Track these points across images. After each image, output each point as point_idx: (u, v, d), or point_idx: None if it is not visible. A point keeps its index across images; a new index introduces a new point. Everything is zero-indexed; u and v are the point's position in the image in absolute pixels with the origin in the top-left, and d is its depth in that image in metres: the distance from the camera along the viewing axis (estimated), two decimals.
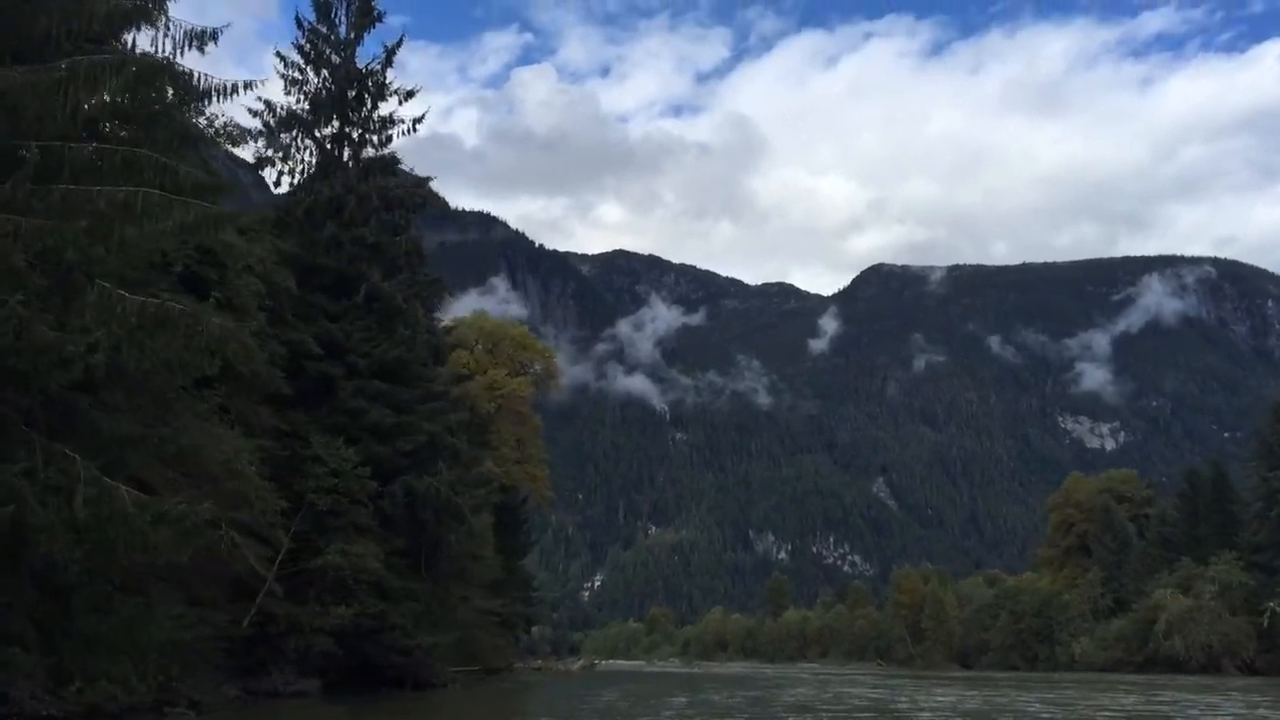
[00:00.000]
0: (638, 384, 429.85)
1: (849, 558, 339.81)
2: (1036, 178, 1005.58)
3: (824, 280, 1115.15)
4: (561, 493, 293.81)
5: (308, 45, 41.37)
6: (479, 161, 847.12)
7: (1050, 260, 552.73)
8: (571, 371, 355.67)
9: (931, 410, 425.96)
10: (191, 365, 19.32)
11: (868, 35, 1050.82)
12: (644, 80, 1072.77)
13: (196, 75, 19.29)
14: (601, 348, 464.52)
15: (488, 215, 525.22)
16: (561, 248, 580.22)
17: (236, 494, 25.80)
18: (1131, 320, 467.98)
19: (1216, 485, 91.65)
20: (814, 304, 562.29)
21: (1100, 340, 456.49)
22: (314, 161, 41.26)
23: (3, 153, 17.51)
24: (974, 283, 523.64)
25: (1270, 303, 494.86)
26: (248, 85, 19.74)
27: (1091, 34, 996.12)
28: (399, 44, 42.75)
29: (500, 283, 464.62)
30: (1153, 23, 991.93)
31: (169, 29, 19.17)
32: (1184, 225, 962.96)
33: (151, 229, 17.54)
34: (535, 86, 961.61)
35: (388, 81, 41.95)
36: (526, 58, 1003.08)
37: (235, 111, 39.46)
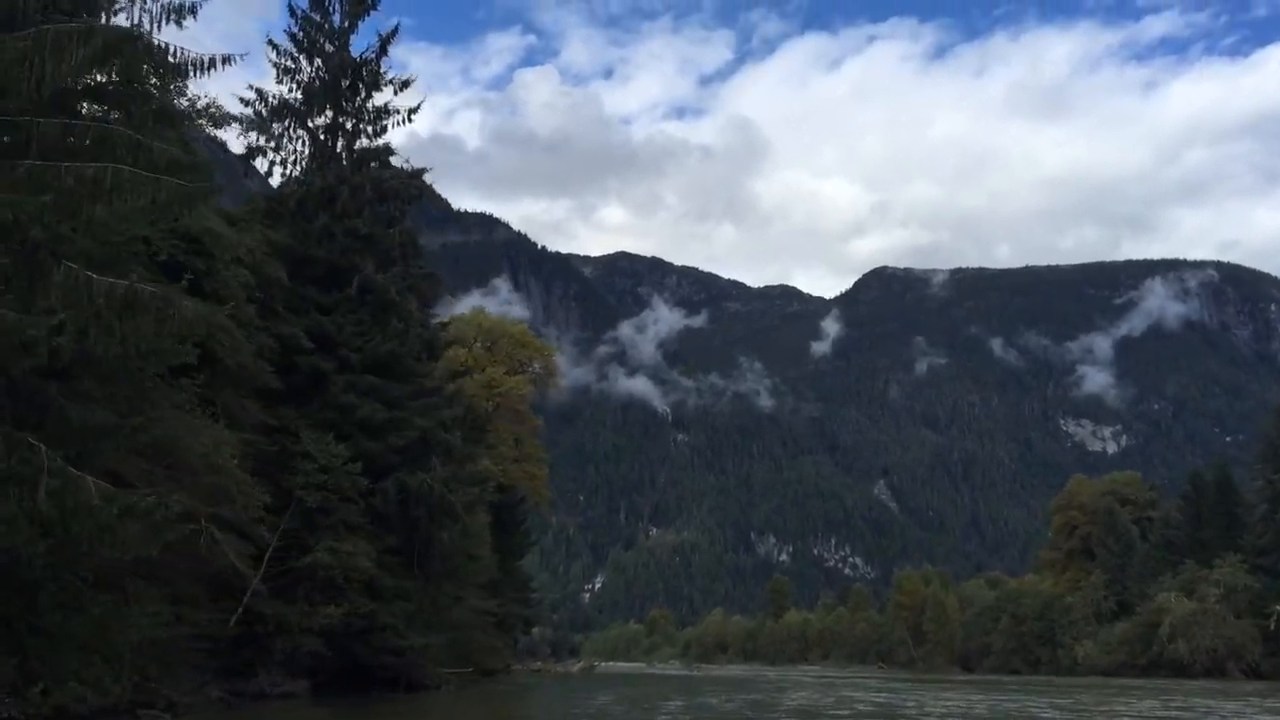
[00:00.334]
0: (639, 386, 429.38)
1: (850, 560, 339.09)
2: (1040, 181, 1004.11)
3: (826, 283, 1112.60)
4: (563, 494, 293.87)
5: (300, 33, 40.49)
6: (482, 163, 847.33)
7: (1053, 263, 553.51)
8: (573, 373, 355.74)
9: (933, 413, 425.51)
10: (166, 352, 18.52)
11: (871, 38, 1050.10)
12: (647, 82, 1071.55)
13: (173, 49, 18.44)
14: (603, 349, 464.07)
15: (490, 217, 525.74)
16: (564, 249, 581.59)
17: (218, 489, 24.92)
18: (1134, 324, 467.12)
19: (1220, 488, 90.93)
20: (816, 306, 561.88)
21: (1102, 343, 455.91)
22: (307, 152, 40.42)
23: None
24: (976, 285, 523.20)
25: (1273, 307, 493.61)
26: (226, 60, 18.85)
27: (1095, 37, 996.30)
28: (394, 33, 41.95)
29: (502, 284, 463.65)
30: (1157, 26, 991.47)
31: (144, 1, 18.36)
32: (1187, 229, 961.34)
33: (122, 207, 16.71)
34: (538, 88, 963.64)
35: (382, 71, 41.16)
36: (529, 59, 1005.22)
37: (228, 102, 38.39)
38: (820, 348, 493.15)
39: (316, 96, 40.31)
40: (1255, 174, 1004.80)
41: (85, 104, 21.39)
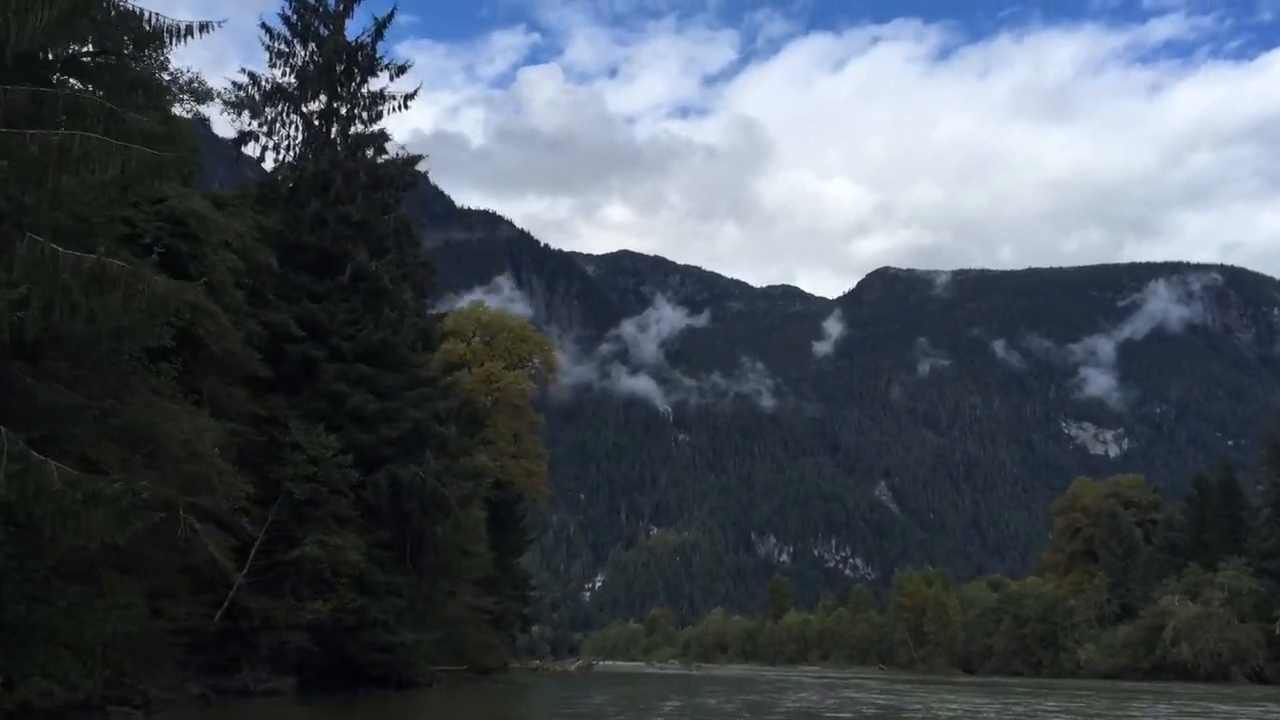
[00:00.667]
0: (641, 385, 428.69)
1: (850, 561, 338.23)
2: (1043, 183, 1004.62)
3: (829, 283, 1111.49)
4: (564, 492, 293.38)
5: (295, 17, 39.68)
6: (485, 161, 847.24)
7: (1056, 265, 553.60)
8: (575, 371, 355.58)
9: (935, 414, 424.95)
10: (138, 331, 17.64)
11: (875, 39, 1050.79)
12: (651, 81, 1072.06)
13: (148, 14, 17.64)
14: (605, 348, 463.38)
15: (493, 214, 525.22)
16: (567, 248, 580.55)
17: (199, 477, 24.01)
18: (1137, 326, 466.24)
19: (1225, 490, 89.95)
20: (818, 307, 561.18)
21: (1105, 346, 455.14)
22: (300, 137, 39.59)
23: None
24: (979, 287, 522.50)
25: (1276, 310, 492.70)
26: (204, 27, 18.02)
27: (1100, 40, 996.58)
28: (390, 16, 41.13)
29: (505, 282, 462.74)
30: (1161, 29, 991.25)
31: None
32: (1191, 232, 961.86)
33: (90, 177, 15.84)
34: (542, 86, 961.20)
35: (378, 56, 40.35)
36: (534, 58, 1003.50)
37: (218, 85, 37.46)
38: (822, 348, 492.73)
39: (310, 81, 39.55)
40: (1259, 177, 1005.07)
41: (63, 76, 20.63)
